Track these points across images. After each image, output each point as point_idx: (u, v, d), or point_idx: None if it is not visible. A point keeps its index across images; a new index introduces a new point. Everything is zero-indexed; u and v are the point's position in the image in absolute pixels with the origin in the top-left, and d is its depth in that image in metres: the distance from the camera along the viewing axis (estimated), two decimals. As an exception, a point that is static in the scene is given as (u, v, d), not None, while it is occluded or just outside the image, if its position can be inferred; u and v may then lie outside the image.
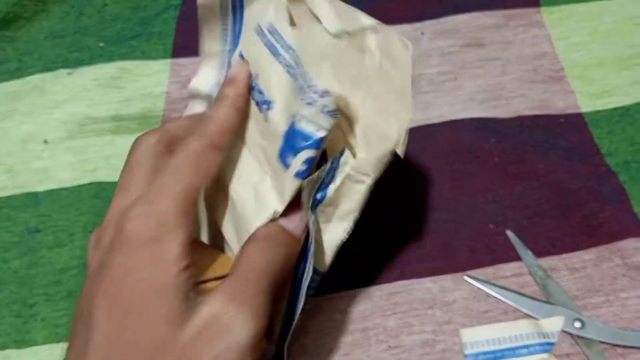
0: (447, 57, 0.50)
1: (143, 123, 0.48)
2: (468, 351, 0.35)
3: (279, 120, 0.29)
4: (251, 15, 0.33)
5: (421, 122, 0.45)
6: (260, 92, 0.30)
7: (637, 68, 0.47)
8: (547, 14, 0.52)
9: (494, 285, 0.38)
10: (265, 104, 0.30)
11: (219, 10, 0.33)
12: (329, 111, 0.27)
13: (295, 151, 0.28)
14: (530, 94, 0.47)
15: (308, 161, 0.28)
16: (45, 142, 0.47)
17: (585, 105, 0.46)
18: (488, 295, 0.37)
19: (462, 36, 0.51)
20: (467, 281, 0.38)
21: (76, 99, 0.49)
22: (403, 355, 0.35)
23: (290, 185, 0.28)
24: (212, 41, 0.35)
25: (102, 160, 0.46)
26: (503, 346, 0.35)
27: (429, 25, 0.52)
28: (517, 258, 0.39)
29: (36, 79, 0.51)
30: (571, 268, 0.38)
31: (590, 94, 0.46)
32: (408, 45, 0.30)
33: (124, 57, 0.52)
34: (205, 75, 0.35)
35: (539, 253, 0.39)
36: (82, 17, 0.56)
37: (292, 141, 0.28)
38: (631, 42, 0.49)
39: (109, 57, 0.52)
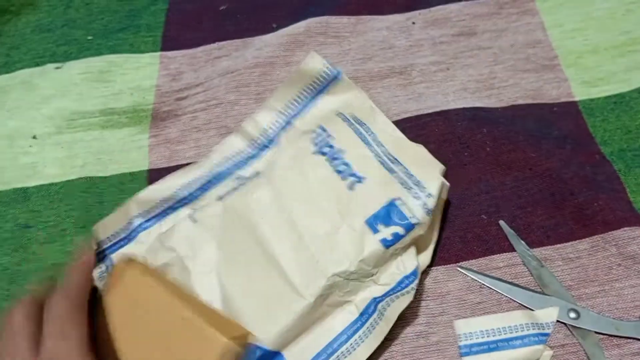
0: (439, 47, 0.49)
1: (133, 117, 0.47)
2: (462, 342, 0.35)
3: (376, 194, 0.36)
4: (329, 101, 0.41)
5: (413, 113, 0.45)
6: (347, 165, 0.37)
7: (631, 55, 0.47)
8: (541, 2, 0.51)
9: (487, 276, 0.37)
10: (352, 177, 0.37)
11: (309, 84, 0.41)
12: (426, 209, 0.35)
13: (389, 223, 0.34)
14: (523, 82, 0.46)
15: (395, 235, 0.34)
16: (34, 137, 0.46)
17: (580, 93, 0.45)
18: (482, 286, 0.37)
19: (454, 25, 0.50)
20: (460, 272, 0.38)
21: (64, 94, 0.49)
22: (397, 347, 0.35)
23: (373, 246, 0.34)
24: (279, 100, 0.42)
25: (92, 155, 0.45)
26: (497, 337, 0.35)
27: (420, 14, 0.51)
28: (511, 248, 0.38)
29: (24, 73, 0.51)
30: (566, 258, 0.38)
31: (584, 82, 0.46)
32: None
33: (113, 50, 0.51)
34: (261, 118, 0.41)
35: (532, 243, 0.38)
36: (70, 10, 0.55)
37: (388, 215, 0.35)
38: (625, 29, 0.48)
39: (97, 51, 0.51)
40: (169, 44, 0.51)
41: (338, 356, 0.33)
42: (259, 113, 0.42)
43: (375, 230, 0.35)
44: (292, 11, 0.53)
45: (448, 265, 0.38)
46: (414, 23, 0.51)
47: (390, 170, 0.37)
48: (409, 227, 0.35)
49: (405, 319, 0.36)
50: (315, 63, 0.41)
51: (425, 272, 0.38)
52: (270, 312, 0.33)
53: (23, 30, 0.54)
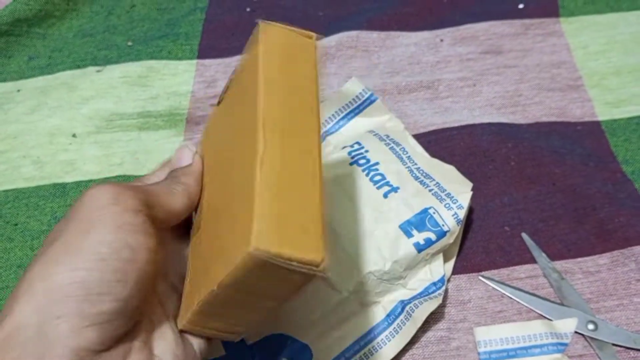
0: (466, 64, 0.51)
1: (169, 120, 0.49)
2: (482, 349, 0.36)
3: (410, 202, 0.37)
4: (363, 122, 0.44)
5: (440, 126, 0.46)
6: (382, 176, 0.39)
7: (654, 78, 0.48)
8: (566, 24, 0.52)
9: (508, 286, 0.38)
10: (387, 186, 0.38)
11: (345, 104, 0.44)
12: (457, 219, 0.37)
13: (422, 229, 0.36)
14: (548, 101, 0.47)
15: (427, 240, 0.36)
16: (74, 135, 0.49)
17: (603, 113, 0.46)
18: (502, 295, 0.38)
19: (481, 43, 0.52)
20: (482, 281, 0.39)
21: (104, 96, 0.51)
22: (418, 351, 0.36)
23: (407, 249, 0.36)
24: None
25: (129, 154, 0.47)
26: (516, 345, 0.36)
27: (448, 32, 0.53)
28: (532, 260, 0.39)
29: (65, 75, 0.53)
30: (586, 271, 0.38)
31: (607, 103, 0.47)
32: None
33: (151, 56, 0.53)
34: None
35: (553, 256, 0.39)
36: (111, 17, 0.57)
37: (422, 221, 0.37)
38: (649, 53, 0.50)
39: (137, 56, 0.53)
40: (205, 52, 0.53)
41: (365, 353, 0.34)
42: None
43: (410, 235, 0.36)
44: (324, 25, 0.55)
45: (470, 274, 0.39)
46: (441, 40, 0.52)
47: (423, 184, 0.38)
48: (441, 235, 0.36)
49: (427, 324, 0.37)
50: (354, 87, 0.44)
51: (448, 280, 0.39)
52: (305, 305, 0.34)
53: (66, 34, 0.57)
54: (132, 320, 0.25)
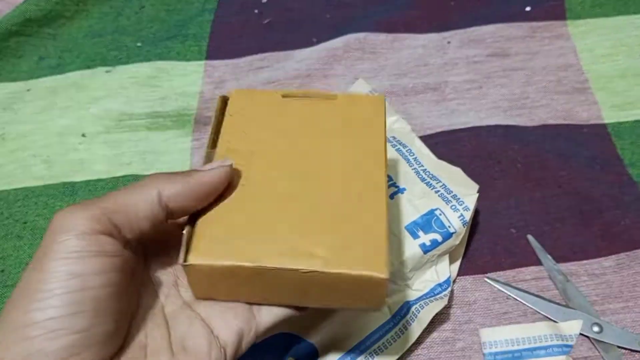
0: (473, 66, 0.51)
1: (177, 120, 0.49)
2: (487, 350, 0.36)
3: (416, 203, 0.38)
4: None
5: (446, 128, 0.46)
6: (388, 177, 0.37)
7: (661, 81, 0.48)
8: (573, 27, 0.53)
9: (514, 287, 0.38)
10: (394, 187, 0.39)
11: None
12: (463, 221, 0.37)
13: (428, 230, 0.37)
14: (554, 103, 0.48)
15: (433, 241, 0.36)
16: (83, 135, 0.49)
17: (609, 116, 0.47)
18: (508, 297, 0.38)
19: (488, 46, 0.52)
20: (487, 282, 0.39)
21: (113, 96, 0.51)
22: (423, 352, 0.36)
23: (413, 250, 0.36)
24: None
25: (137, 154, 0.47)
26: (521, 347, 0.36)
27: (455, 34, 0.53)
28: (538, 262, 0.39)
29: (75, 75, 0.53)
30: (591, 274, 0.39)
31: (613, 105, 0.47)
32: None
33: (160, 57, 0.54)
34: None
35: (559, 258, 0.39)
36: (121, 18, 0.58)
37: (428, 223, 0.37)
38: (656, 56, 0.50)
39: (146, 57, 0.54)
40: (213, 53, 0.54)
41: (371, 353, 0.34)
42: None
43: (416, 236, 0.36)
44: (332, 27, 0.55)
45: (476, 275, 0.39)
46: (449, 42, 0.53)
47: (430, 185, 0.39)
48: (447, 236, 0.37)
49: (432, 324, 0.37)
50: (361, 88, 0.44)
51: (453, 281, 0.39)
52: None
53: (76, 35, 0.57)
54: (108, 345, 0.25)
